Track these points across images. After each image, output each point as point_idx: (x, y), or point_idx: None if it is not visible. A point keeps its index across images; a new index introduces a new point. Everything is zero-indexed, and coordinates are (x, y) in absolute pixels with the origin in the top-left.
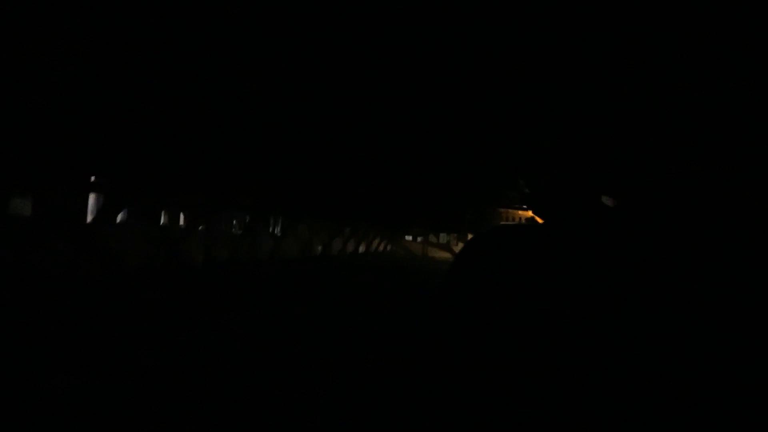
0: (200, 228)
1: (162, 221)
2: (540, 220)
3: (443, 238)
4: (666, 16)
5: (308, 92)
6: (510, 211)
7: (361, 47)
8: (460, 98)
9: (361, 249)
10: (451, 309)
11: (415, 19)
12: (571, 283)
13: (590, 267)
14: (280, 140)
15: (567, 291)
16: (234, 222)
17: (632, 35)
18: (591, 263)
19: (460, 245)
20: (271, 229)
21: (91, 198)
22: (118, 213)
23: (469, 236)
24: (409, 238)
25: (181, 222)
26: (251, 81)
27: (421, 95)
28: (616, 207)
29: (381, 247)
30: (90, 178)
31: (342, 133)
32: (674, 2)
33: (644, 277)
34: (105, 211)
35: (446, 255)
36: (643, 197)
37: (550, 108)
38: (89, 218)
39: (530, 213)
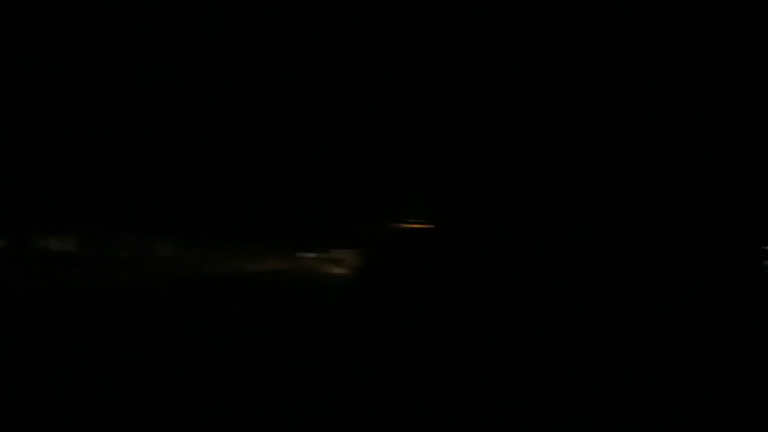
0: (92, 250)
1: (50, 244)
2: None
3: (340, 253)
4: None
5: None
6: (407, 225)
7: None
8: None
9: (256, 267)
10: (368, 312)
11: None
12: (478, 282)
13: (493, 265)
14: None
15: (474, 290)
16: (131, 243)
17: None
18: (492, 262)
19: (356, 261)
20: (168, 250)
21: None
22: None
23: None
24: (305, 254)
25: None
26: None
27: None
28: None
29: (276, 265)
30: None
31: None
32: None
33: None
34: None
35: (343, 271)
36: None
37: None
38: None
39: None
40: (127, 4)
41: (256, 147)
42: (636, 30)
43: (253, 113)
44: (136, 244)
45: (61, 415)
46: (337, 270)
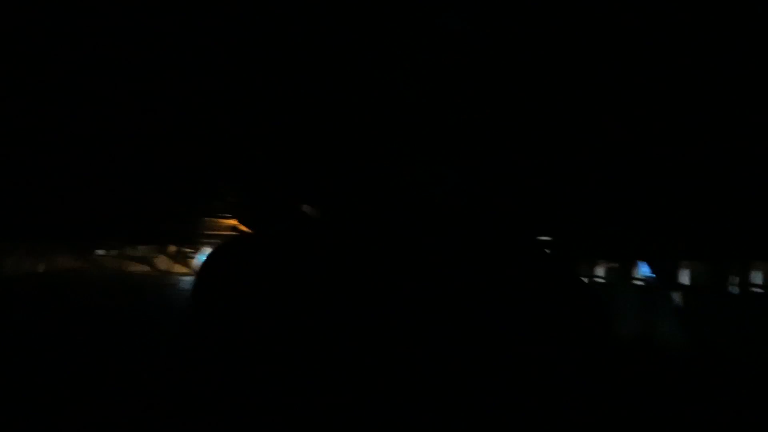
0: None
1: None
2: (245, 229)
3: (142, 250)
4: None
5: None
6: (214, 220)
7: None
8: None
9: (41, 268)
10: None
11: None
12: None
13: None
14: None
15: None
16: None
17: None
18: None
19: (162, 258)
20: None
21: None
22: None
23: (170, 247)
24: (101, 252)
25: None
26: None
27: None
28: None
29: (69, 264)
30: None
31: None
32: None
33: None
34: None
35: (146, 269)
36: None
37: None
38: None
39: (235, 222)
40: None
41: (44, 137)
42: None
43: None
44: None
45: None
46: (138, 268)
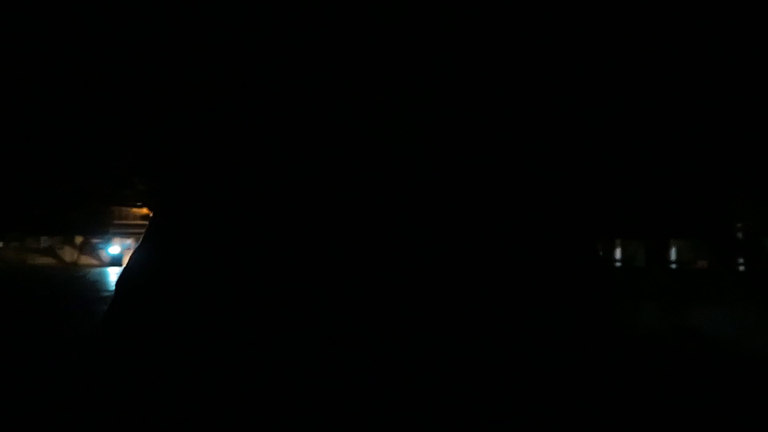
0: None
1: None
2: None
3: (45, 241)
4: None
5: None
6: (124, 209)
7: None
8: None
9: None
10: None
11: None
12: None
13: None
14: None
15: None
16: None
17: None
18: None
19: (67, 249)
20: None
21: None
22: None
23: (78, 239)
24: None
25: None
26: None
27: None
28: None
29: None
30: None
31: None
32: None
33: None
34: None
35: (51, 261)
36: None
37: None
38: None
39: (145, 210)
40: None
41: None
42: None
43: None
44: None
45: None
46: (43, 260)
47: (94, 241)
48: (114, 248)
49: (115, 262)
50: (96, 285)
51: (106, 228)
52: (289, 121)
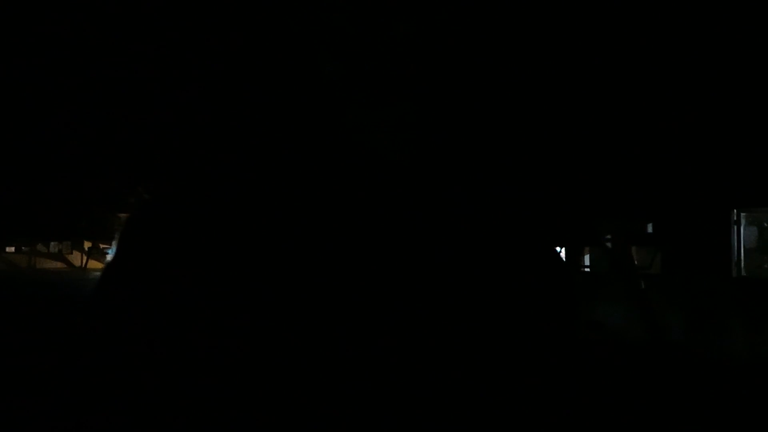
0: None
1: None
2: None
3: (54, 247)
4: None
5: None
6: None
7: None
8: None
9: None
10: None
11: None
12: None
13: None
14: None
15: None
16: None
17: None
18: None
19: (77, 254)
20: None
21: None
22: None
23: (86, 244)
24: (11, 249)
25: None
26: None
27: None
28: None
29: None
30: None
31: None
32: None
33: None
34: None
35: (59, 265)
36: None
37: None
38: None
39: None
40: None
41: None
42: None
43: None
44: None
45: None
46: (52, 264)
47: (102, 246)
48: None
49: None
50: None
51: (112, 233)
52: (282, 129)
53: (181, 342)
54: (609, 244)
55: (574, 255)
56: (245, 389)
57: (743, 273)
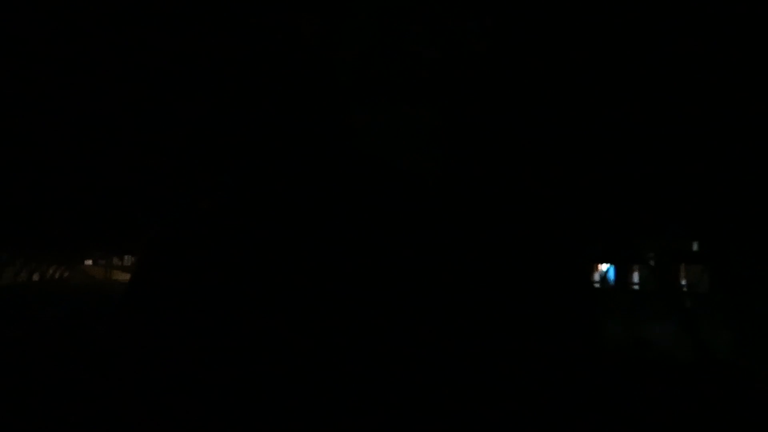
0: None
1: None
2: None
3: (128, 260)
4: None
5: None
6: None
7: None
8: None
9: (35, 278)
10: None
11: None
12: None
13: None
14: None
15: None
16: None
17: None
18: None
19: None
20: None
21: None
22: None
23: None
24: (89, 262)
25: None
26: None
27: None
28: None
29: (57, 275)
30: None
31: None
32: None
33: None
34: None
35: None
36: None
37: None
38: None
39: None
40: None
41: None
42: None
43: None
44: None
45: None
46: (124, 276)
47: None
48: None
49: None
50: None
51: None
52: (292, 138)
53: (200, 342)
54: (652, 263)
55: (622, 273)
56: (259, 385)
57: None
